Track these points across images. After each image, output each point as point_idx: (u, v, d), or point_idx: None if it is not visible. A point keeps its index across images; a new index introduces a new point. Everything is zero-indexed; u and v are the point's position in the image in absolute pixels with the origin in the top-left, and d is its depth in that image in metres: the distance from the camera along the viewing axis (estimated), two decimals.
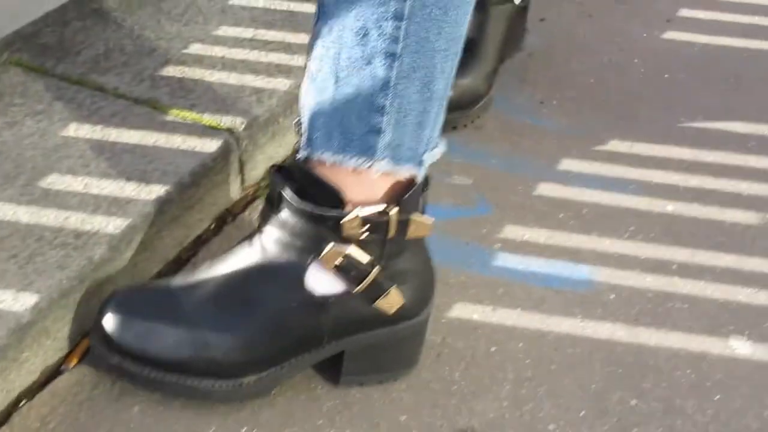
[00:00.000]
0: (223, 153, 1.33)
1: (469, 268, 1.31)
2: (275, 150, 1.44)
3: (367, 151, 1.01)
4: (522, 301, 1.26)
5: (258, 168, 1.41)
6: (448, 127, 1.52)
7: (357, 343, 1.09)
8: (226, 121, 1.36)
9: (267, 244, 1.07)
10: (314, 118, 1.02)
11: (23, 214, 1.18)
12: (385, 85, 0.99)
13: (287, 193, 1.04)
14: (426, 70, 0.99)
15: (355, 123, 1.01)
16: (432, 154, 1.05)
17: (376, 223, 1.03)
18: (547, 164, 1.49)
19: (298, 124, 1.06)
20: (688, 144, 1.55)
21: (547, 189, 1.44)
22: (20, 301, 1.07)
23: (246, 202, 1.39)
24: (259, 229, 1.08)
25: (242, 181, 1.39)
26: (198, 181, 1.29)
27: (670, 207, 1.43)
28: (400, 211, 1.04)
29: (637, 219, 1.40)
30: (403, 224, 1.04)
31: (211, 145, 1.33)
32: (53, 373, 1.12)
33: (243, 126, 1.36)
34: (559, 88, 1.65)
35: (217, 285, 1.07)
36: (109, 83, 1.40)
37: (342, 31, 0.98)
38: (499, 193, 1.43)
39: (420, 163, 1.04)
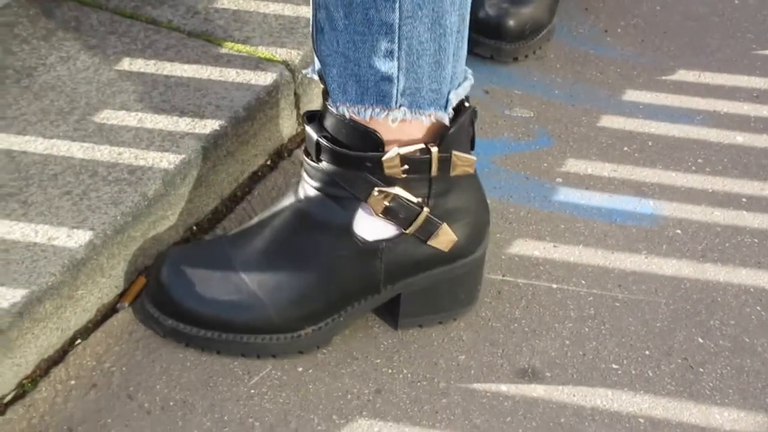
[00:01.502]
0: (278, 86, 1.30)
1: (530, 202, 1.27)
2: None
3: (383, 100, 0.98)
4: (584, 237, 1.23)
5: (314, 102, 1.38)
6: (509, 57, 1.48)
7: (413, 285, 1.07)
8: (281, 53, 1.34)
9: (310, 194, 1.05)
10: (328, 69, 0.99)
11: (77, 150, 1.16)
12: (389, 28, 0.95)
13: (323, 142, 1.01)
14: (433, 5, 0.94)
15: (366, 71, 0.97)
16: (459, 92, 1.01)
17: (417, 161, 1.01)
18: (611, 95, 1.44)
19: (320, 72, 1.02)
20: (759, 72, 1.50)
21: (610, 121, 1.40)
22: (74, 238, 1.06)
23: (302, 138, 1.37)
24: (301, 180, 1.06)
25: (298, 115, 1.36)
26: (253, 115, 1.27)
27: (740, 138, 1.39)
28: (441, 148, 1.00)
29: (705, 151, 1.36)
30: (446, 161, 1.01)
31: (265, 78, 1.30)
32: (109, 311, 1.11)
33: (299, 58, 1.34)
34: (623, 15, 1.60)
35: (266, 242, 1.06)
36: (162, 16, 1.37)
37: None
38: (561, 126, 1.39)
39: (446, 103, 1.00)
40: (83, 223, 1.08)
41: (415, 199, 1.02)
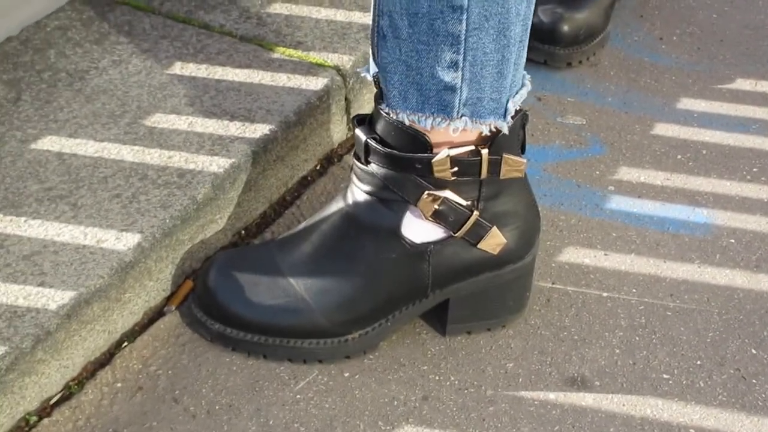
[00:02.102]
0: (329, 91, 1.30)
1: (581, 210, 1.26)
2: None
3: (445, 110, 0.97)
4: (636, 246, 1.21)
5: (365, 107, 1.38)
6: (563, 63, 1.46)
7: (462, 290, 1.06)
8: (332, 58, 1.33)
9: (359, 197, 1.04)
10: (389, 76, 0.98)
11: (127, 153, 1.17)
12: (455, 40, 0.94)
13: (372, 143, 1.01)
14: (499, 17, 0.93)
15: (429, 81, 0.96)
16: (516, 99, 1.00)
17: (467, 163, 1.00)
18: (665, 103, 1.42)
19: (376, 76, 1.02)
20: None
21: (664, 129, 1.38)
22: (123, 241, 1.06)
23: (352, 143, 1.36)
24: (350, 184, 1.06)
25: (348, 120, 1.36)
26: (303, 120, 1.27)
27: None
28: (491, 151, 1.00)
29: (760, 160, 1.33)
30: (496, 164, 1.01)
31: (316, 83, 1.30)
32: (155, 314, 1.11)
33: (350, 63, 1.33)
34: (679, 23, 1.58)
35: (314, 246, 1.05)
36: (214, 21, 1.38)
37: None
38: (613, 133, 1.37)
39: (504, 112, 0.99)
40: (132, 225, 1.08)
41: (464, 202, 1.01)
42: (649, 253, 1.20)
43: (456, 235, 1.03)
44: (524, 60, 1.00)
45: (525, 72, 1.02)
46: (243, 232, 1.22)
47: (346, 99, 1.34)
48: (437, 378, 1.06)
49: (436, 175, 0.99)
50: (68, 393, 1.03)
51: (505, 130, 0.99)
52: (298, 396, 1.04)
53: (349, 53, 1.34)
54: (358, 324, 1.05)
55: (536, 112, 1.39)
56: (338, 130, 1.34)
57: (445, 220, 1.02)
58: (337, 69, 1.32)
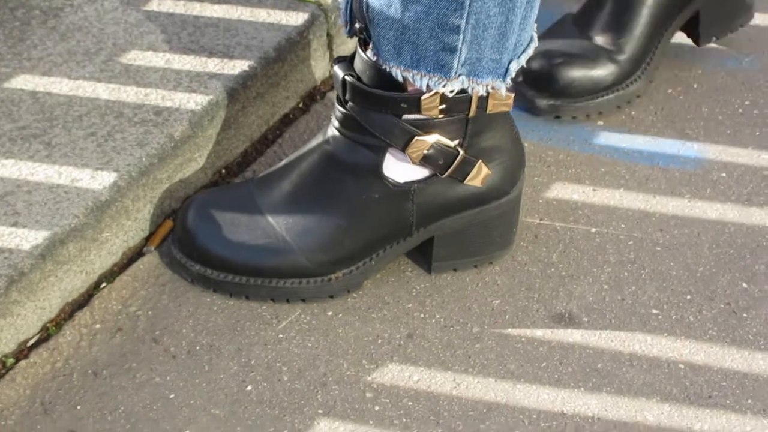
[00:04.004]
0: (310, 26, 1.27)
1: (569, 146, 1.23)
2: None
3: (441, 69, 0.94)
4: (625, 181, 1.18)
5: (348, 43, 1.35)
6: (550, 115, 1.28)
7: (447, 227, 1.04)
8: None
9: (339, 138, 1.01)
10: (382, 30, 0.95)
11: (102, 91, 1.14)
12: (459, 5, 0.90)
13: (355, 82, 0.98)
14: None
15: (427, 41, 0.93)
16: (520, 60, 0.97)
17: (456, 100, 0.97)
18: None
19: (352, 24, 0.98)
20: None
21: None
22: (98, 180, 1.04)
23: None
24: (329, 124, 1.03)
25: (331, 56, 1.33)
26: (283, 56, 1.23)
27: None
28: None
29: (751, 94, 1.31)
30: (483, 100, 0.98)
31: (297, 19, 1.27)
32: (135, 254, 1.09)
33: None
34: None
35: (295, 186, 1.03)
36: None
37: None
38: None
39: (505, 72, 0.97)
40: (108, 164, 1.06)
41: (452, 143, 0.98)
42: (639, 188, 1.18)
43: (443, 175, 1.00)
44: (533, 19, 0.97)
45: (533, 33, 0.99)
46: (224, 171, 1.19)
47: (328, 35, 1.31)
48: (422, 316, 1.04)
49: (424, 112, 0.96)
50: (46, 335, 1.01)
51: (503, 91, 0.96)
52: (281, 335, 1.02)
53: None
54: (342, 264, 1.03)
55: None
56: (320, 67, 1.31)
57: (433, 163, 1.00)
58: (318, 4, 1.29)
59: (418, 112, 0.97)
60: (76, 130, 1.09)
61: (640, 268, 1.09)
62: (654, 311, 1.05)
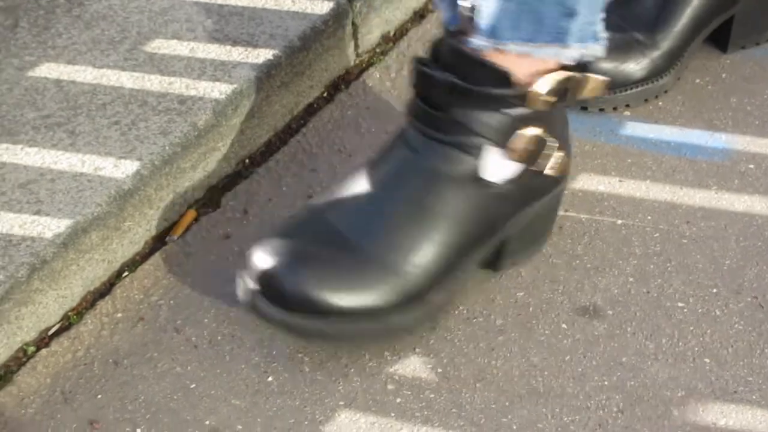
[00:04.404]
0: (335, 15, 1.26)
1: (596, 137, 1.22)
2: (392, 13, 1.36)
3: (559, 37, 0.90)
4: (652, 172, 1.17)
5: (373, 32, 1.34)
6: (579, 106, 1.27)
7: (519, 222, 1.01)
8: None
9: (429, 143, 0.95)
10: (501, 3, 0.89)
11: (127, 80, 1.14)
12: None
13: (458, 83, 0.92)
14: None
15: (551, 7, 0.89)
16: (603, 18, 0.94)
17: (561, 90, 0.93)
18: None
19: (471, 8, 0.92)
20: None
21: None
22: (121, 168, 1.04)
23: (361, 70, 1.33)
24: (409, 131, 0.96)
25: (356, 46, 1.32)
26: (308, 45, 1.23)
27: None
28: (578, 72, 0.95)
29: None
30: (582, 82, 0.95)
31: (322, 7, 1.26)
32: (157, 244, 1.09)
33: None
34: None
35: (385, 204, 0.94)
36: None
37: None
38: None
39: (598, 36, 0.93)
40: (131, 153, 1.05)
41: (546, 134, 0.96)
42: (665, 180, 1.17)
43: (532, 167, 0.97)
44: None
45: None
46: (247, 160, 1.19)
47: (353, 24, 1.30)
48: (445, 307, 1.03)
49: (529, 105, 0.93)
50: (67, 323, 1.01)
51: (601, 53, 0.94)
52: None
53: None
54: (443, 282, 0.97)
55: None
56: (345, 56, 1.30)
57: (528, 156, 0.96)
58: None
59: (523, 104, 0.94)
60: (100, 118, 1.09)
61: (665, 260, 1.07)
62: (680, 304, 1.03)
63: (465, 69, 0.92)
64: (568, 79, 0.94)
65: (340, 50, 1.29)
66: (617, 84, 1.24)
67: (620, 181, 1.17)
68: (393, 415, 0.94)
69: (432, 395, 0.96)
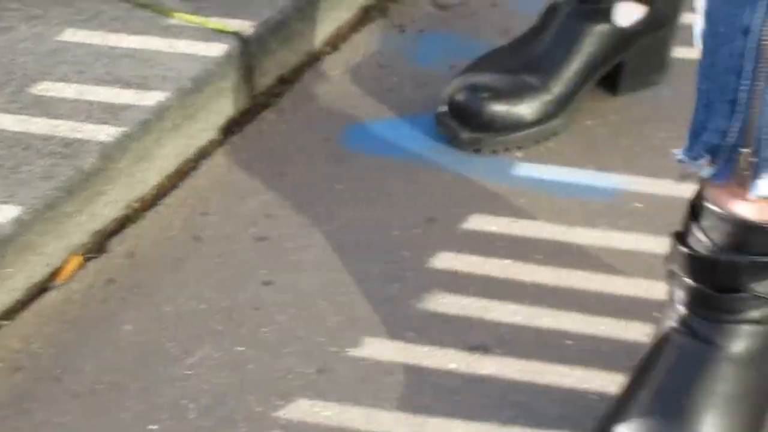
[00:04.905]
0: (229, 57, 1.26)
1: (488, 178, 1.23)
2: (287, 56, 1.36)
3: None
4: (544, 212, 1.18)
5: (268, 75, 1.34)
6: (471, 147, 1.27)
7: None
8: (233, 24, 1.29)
9: (724, 328, 0.87)
10: None
11: (11, 123, 1.12)
12: None
13: (755, 260, 0.85)
14: None
15: None
16: None
17: None
18: None
19: (735, 152, 0.84)
20: None
21: None
22: (2, 213, 1.02)
23: (255, 112, 1.32)
24: (696, 317, 0.89)
25: (251, 89, 1.31)
26: (200, 88, 1.22)
27: None
28: None
29: (669, 124, 1.30)
30: None
31: (215, 50, 1.26)
32: (39, 290, 1.06)
33: (252, 29, 1.29)
34: None
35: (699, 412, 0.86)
36: None
37: None
38: None
39: None
40: (12, 198, 1.03)
41: None
42: (557, 220, 1.17)
43: None
44: None
45: None
46: (136, 204, 1.17)
47: (247, 66, 1.29)
48: (334, 350, 1.02)
49: None
50: None
51: None
52: (189, 372, 1.00)
53: (250, 18, 1.30)
54: None
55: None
56: (239, 99, 1.30)
57: None
58: (238, 35, 1.28)
59: None
60: None
61: (555, 298, 1.08)
62: (569, 342, 1.04)
63: (758, 241, 0.85)
64: None
65: (233, 93, 1.28)
66: (509, 126, 1.25)
67: (512, 221, 1.17)
68: None
69: None
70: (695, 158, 0.87)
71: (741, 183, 0.85)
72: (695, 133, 0.88)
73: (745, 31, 0.81)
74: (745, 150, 0.83)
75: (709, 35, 0.84)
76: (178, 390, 0.98)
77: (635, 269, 1.11)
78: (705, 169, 0.87)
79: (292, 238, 1.15)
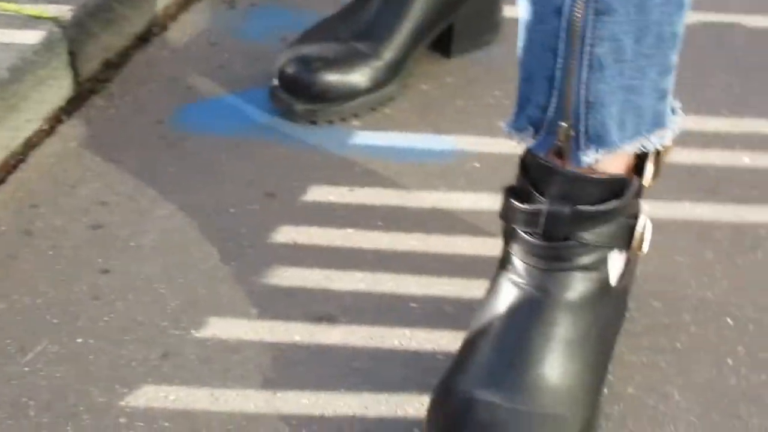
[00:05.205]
0: (48, 44, 1.22)
1: (325, 148, 1.22)
2: (111, 39, 1.33)
3: (658, 121, 0.88)
4: (381, 179, 1.18)
5: (93, 60, 1.30)
6: (306, 119, 1.27)
7: None
8: (50, 10, 1.25)
9: (555, 279, 0.89)
10: (605, 110, 0.85)
11: None
12: (677, 40, 0.86)
13: (584, 209, 0.87)
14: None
15: (648, 97, 0.87)
16: None
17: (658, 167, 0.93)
18: None
19: (554, 125, 0.87)
20: None
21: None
22: None
23: (83, 99, 1.29)
24: (516, 274, 0.90)
25: (76, 75, 1.28)
26: (19, 77, 1.18)
27: None
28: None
29: (502, 85, 1.32)
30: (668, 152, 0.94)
31: (32, 37, 1.22)
32: None
33: (70, 14, 1.25)
34: None
35: (528, 355, 0.87)
36: None
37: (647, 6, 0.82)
38: None
39: (676, 105, 0.92)
40: None
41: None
42: (394, 185, 1.17)
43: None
44: None
45: None
46: None
47: (70, 53, 1.25)
48: (178, 333, 1.00)
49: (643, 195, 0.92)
50: None
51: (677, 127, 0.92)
52: (26, 369, 0.97)
53: (68, 3, 1.27)
54: None
55: (275, 55, 1.34)
56: (64, 86, 1.26)
57: (642, 242, 0.93)
58: (56, 20, 1.24)
59: (639, 197, 0.92)
60: None
61: (397, 263, 1.08)
62: (413, 305, 1.04)
63: (582, 192, 0.88)
64: (659, 154, 0.92)
65: (57, 80, 1.24)
66: (343, 96, 1.25)
67: (350, 190, 1.17)
68: None
69: (166, 423, 0.93)
70: (520, 130, 0.90)
71: (562, 154, 0.88)
72: (520, 107, 0.90)
73: (558, 12, 0.84)
74: (563, 124, 0.86)
75: (527, 12, 0.86)
76: (16, 388, 0.94)
77: (475, 228, 1.12)
78: (530, 140, 0.89)
79: (127, 224, 1.12)
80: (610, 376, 0.95)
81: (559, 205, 0.88)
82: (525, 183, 0.90)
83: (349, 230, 1.12)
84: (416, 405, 0.94)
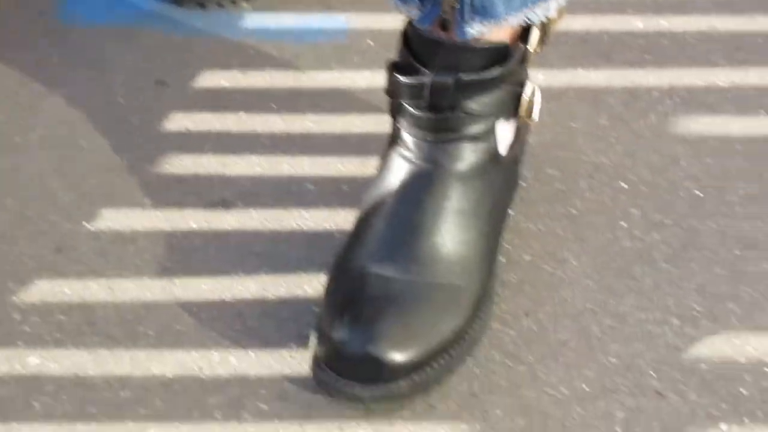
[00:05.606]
0: None
1: (216, 33, 1.20)
2: None
3: None
4: (274, 61, 1.16)
5: None
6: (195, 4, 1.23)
7: None
8: None
9: (444, 150, 0.88)
10: None
11: None
12: None
13: (467, 78, 0.87)
14: None
15: None
16: None
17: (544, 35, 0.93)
18: None
19: (439, 2, 0.87)
20: None
21: None
22: None
23: None
24: (408, 148, 0.89)
25: None
26: None
27: None
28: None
29: None
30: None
31: None
32: None
33: None
34: None
35: (420, 231, 0.86)
36: None
37: None
38: None
39: None
40: None
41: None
42: (288, 66, 1.16)
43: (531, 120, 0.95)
44: None
45: None
46: None
47: None
48: (70, 226, 0.99)
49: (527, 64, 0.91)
50: None
51: None
52: None
53: None
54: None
55: None
56: None
57: (531, 109, 0.93)
58: None
59: (524, 64, 0.91)
60: None
61: (292, 145, 1.07)
62: (310, 186, 1.03)
63: (465, 61, 0.87)
64: (545, 23, 0.91)
65: None
66: None
67: (243, 74, 1.15)
68: (21, 344, 0.89)
69: (62, 317, 0.92)
70: (406, 2, 0.89)
71: (447, 27, 0.87)
72: None
73: None
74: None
75: None
76: None
77: (370, 106, 1.11)
78: (416, 12, 0.88)
79: (14, 120, 1.09)
80: (507, 245, 0.96)
81: (444, 75, 0.87)
82: (408, 56, 0.89)
83: (243, 114, 1.10)
84: (315, 284, 0.94)
